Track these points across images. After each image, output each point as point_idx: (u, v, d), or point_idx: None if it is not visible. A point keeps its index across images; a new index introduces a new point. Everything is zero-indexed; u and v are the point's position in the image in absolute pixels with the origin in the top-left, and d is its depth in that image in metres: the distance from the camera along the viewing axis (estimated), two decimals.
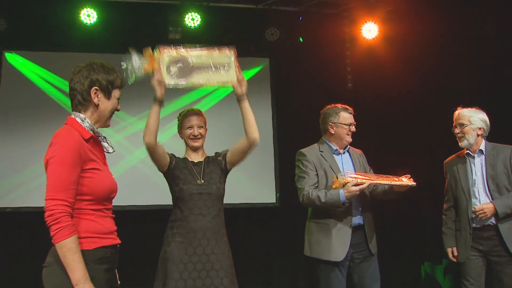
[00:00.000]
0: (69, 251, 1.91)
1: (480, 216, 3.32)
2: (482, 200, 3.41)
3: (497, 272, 3.38)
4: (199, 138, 3.04)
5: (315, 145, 3.58)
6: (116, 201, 5.53)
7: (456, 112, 3.55)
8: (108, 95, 2.16)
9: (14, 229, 5.11)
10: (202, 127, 3.05)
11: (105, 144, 2.23)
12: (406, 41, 5.44)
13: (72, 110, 2.17)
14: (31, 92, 5.18)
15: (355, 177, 3.21)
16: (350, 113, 3.51)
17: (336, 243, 3.30)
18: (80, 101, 2.13)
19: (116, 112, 2.27)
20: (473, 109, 3.51)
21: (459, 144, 3.51)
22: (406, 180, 3.25)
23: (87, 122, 2.13)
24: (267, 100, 5.53)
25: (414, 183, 3.25)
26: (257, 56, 5.61)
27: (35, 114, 5.15)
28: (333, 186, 3.21)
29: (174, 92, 5.22)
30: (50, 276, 1.99)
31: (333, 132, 3.48)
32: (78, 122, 2.12)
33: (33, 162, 5.01)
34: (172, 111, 5.24)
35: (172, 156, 3.00)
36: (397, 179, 3.27)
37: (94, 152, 2.12)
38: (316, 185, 3.43)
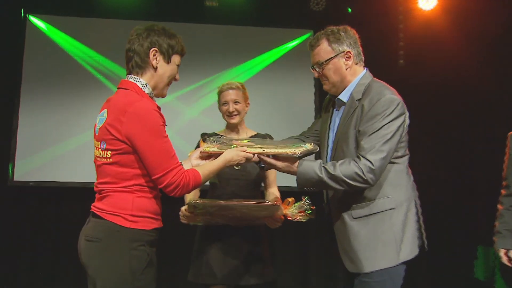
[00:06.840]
0: (209, 173, 2.07)
1: None
2: None
3: None
4: (235, 115, 2.82)
5: None
6: None
7: None
8: (167, 59, 2.06)
9: (37, 204, 4.79)
10: (239, 102, 2.84)
11: None
12: (468, 14, 4.93)
13: (128, 73, 2.06)
14: (59, 58, 4.88)
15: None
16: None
17: None
18: (138, 63, 2.02)
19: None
20: None
21: None
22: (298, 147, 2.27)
23: (148, 89, 2.03)
24: (310, 74, 5.17)
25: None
26: (299, 27, 5.25)
27: (63, 82, 4.87)
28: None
29: (196, 71, 4.94)
30: (102, 251, 1.91)
31: None
32: (141, 89, 2.01)
33: (61, 134, 4.80)
34: (199, 84, 5.04)
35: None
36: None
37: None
38: None
